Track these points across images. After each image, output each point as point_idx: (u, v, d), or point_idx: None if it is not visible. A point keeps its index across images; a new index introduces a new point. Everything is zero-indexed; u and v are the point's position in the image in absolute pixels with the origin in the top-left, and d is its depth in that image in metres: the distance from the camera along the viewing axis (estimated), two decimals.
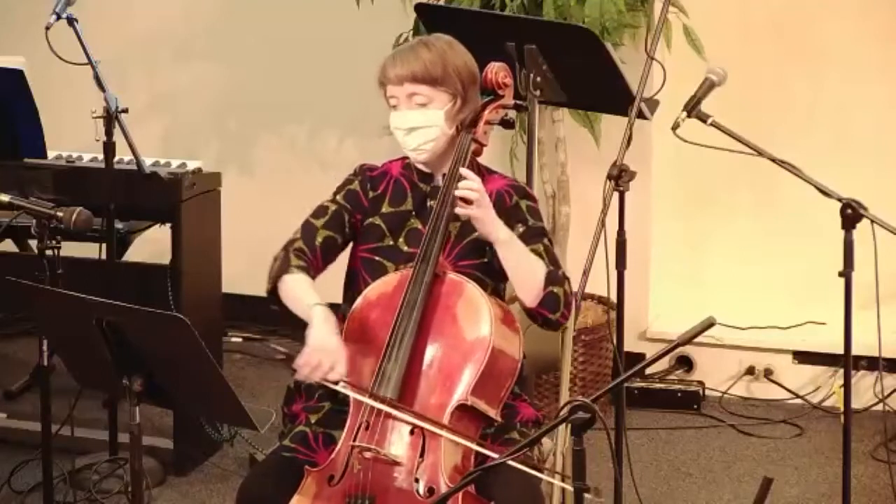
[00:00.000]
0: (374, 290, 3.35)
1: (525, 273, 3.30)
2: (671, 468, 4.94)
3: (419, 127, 3.35)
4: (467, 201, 3.24)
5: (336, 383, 3.20)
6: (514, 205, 3.39)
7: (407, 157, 3.46)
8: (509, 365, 3.28)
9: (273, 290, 3.37)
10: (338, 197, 3.48)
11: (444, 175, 3.37)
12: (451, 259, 3.37)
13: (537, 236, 3.37)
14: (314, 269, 3.40)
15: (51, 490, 4.16)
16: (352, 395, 3.22)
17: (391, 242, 3.43)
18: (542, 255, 3.34)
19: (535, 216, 3.41)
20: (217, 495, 4.68)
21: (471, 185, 3.24)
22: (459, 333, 3.25)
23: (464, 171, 3.29)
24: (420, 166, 3.45)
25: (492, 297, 3.31)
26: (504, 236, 3.28)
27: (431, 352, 3.25)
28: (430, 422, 3.17)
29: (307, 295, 3.29)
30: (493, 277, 3.39)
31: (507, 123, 3.48)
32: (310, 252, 3.40)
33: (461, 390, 3.20)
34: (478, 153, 3.42)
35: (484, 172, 3.46)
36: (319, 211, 3.46)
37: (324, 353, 3.17)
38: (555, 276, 3.30)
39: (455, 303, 3.27)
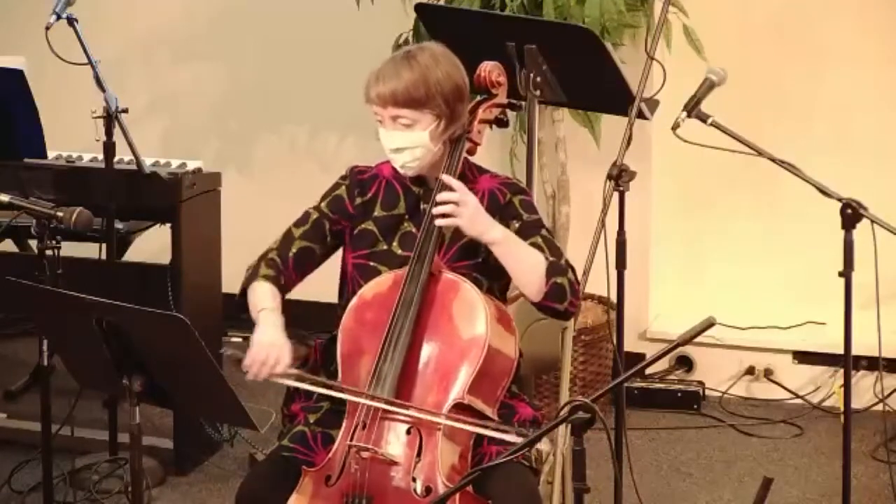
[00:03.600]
0: (370, 289, 3.35)
1: (525, 269, 3.29)
2: (671, 468, 4.94)
3: (405, 148, 3.33)
4: (446, 215, 3.25)
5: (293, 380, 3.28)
6: (508, 202, 3.38)
7: None
8: (505, 363, 3.28)
9: (242, 297, 3.41)
10: (322, 204, 3.46)
11: (436, 179, 3.35)
12: (446, 261, 3.36)
13: (534, 229, 3.36)
14: (287, 279, 3.42)
15: (51, 490, 4.16)
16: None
17: (385, 247, 3.42)
18: (542, 248, 3.32)
19: (529, 210, 3.40)
20: (217, 495, 4.69)
21: (446, 197, 3.25)
22: (455, 332, 3.25)
23: (445, 177, 3.29)
24: None
25: (487, 295, 3.31)
26: (497, 236, 3.28)
27: (427, 351, 3.25)
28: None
29: (262, 302, 3.35)
30: (488, 277, 3.38)
31: (501, 122, 3.47)
32: (282, 263, 3.42)
33: (458, 389, 3.20)
34: (472, 152, 3.42)
35: (476, 172, 3.46)
36: (302, 218, 3.47)
37: (267, 348, 3.23)
38: (557, 267, 3.29)
39: (451, 301, 3.27)
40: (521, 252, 3.30)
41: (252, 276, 3.41)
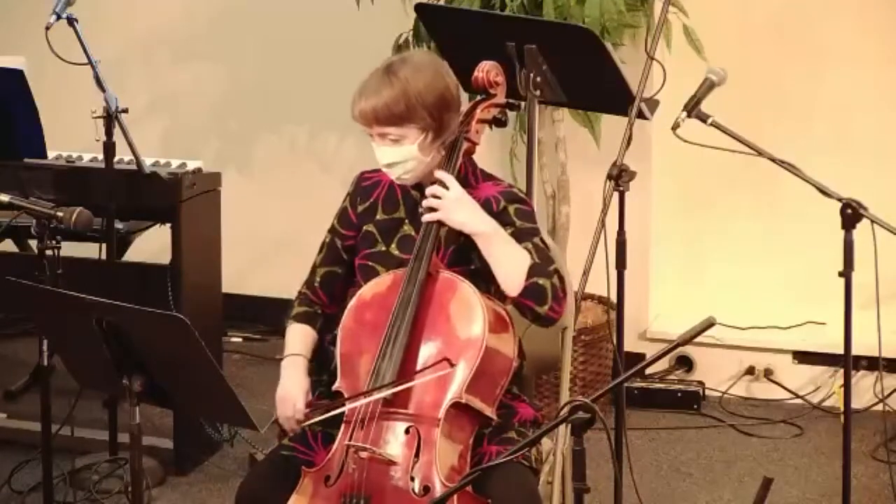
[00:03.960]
0: (369, 289, 3.36)
1: (506, 264, 3.28)
2: (671, 468, 4.94)
3: (396, 162, 3.34)
4: (431, 209, 3.29)
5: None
6: (501, 210, 3.37)
7: None
8: (504, 363, 3.28)
9: None
10: (335, 223, 3.53)
11: (433, 183, 3.35)
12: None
13: (525, 236, 3.34)
14: (323, 306, 3.51)
15: (51, 490, 4.16)
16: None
17: (383, 248, 3.43)
18: (531, 252, 3.31)
19: (524, 218, 3.38)
20: (217, 495, 4.69)
21: (431, 190, 3.29)
22: (453, 332, 3.25)
23: (438, 173, 3.31)
24: None
25: (486, 295, 3.30)
26: (481, 229, 3.28)
27: (426, 350, 3.25)
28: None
29: (286, 348, 3.46)
30: (483, 282, 3.36)
31: (499, 122, 3.47)
32: (312, 295, 3.52)
33: (455, 388, 3.20)
34: (470, 152, 3.42)
35: (480, 177, 3.46)
36: (321, 245, 3.54)
37: (283, 405, 3.35)
38: (540, 269, 3.27)
39: (448, 301, 3.27)
40: (505, 247, 3.29)
41: (288, 315, 3.51)
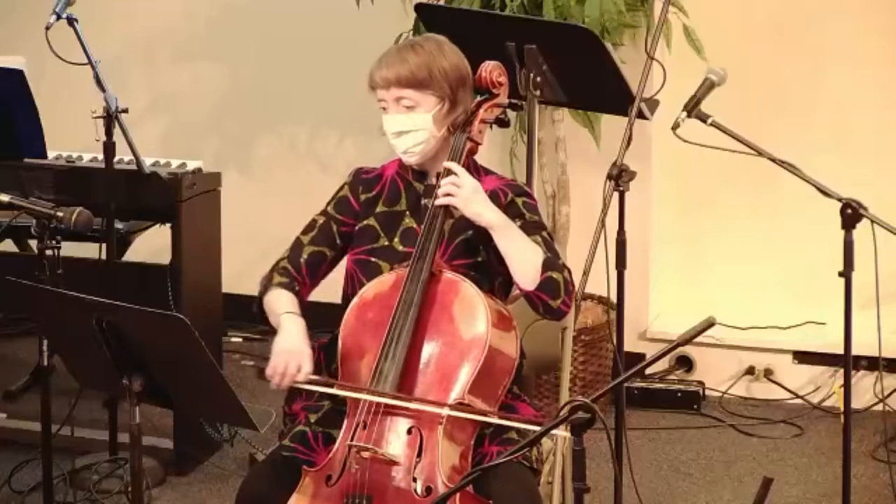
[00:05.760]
0: (371, 289, 3.35)
1: (521, 256, 3.27)
2: (671, 468, 4.94)
3: (407, 131, 3.35)
4: (448, 195, 3.28)
5: (311, 384, 3.26)
6: (510, 202, 3.38)
7: None
8: (506, 363, 3.28)
9: (261, 309, 3.44)
10: (329, 208, 3.50)
11: (438, 174, 3.37)
12: (445, 258, 3.36)
13: (535, 229, 3.36)
14: (301, 285, 3.45)
15: (51, 490, 4.17)
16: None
17: (386, 243, 3.43)
18: (540, 246, 3.32)
19: (531, 211, 3.40)
20: (217, 495, 4.69)
21: (449, 179, 3.28)
22: (456, 332, 3.24)
23: (448, 164, 3.31)
24: (414, 166, 3.46)
25: (488, 295, 3.31)
26: (496, 220, 3.27)
27: (428, 350, 3.24)
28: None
29: (283, 306, 3.36)
30: (487, 277, 3.38)
31: (501, 122, 3.48)
32: (294, 270, 3.45)
33: (458, 389, 3.20)
34: (473, 151, 3.42)
35: (482, 172, 3.46)
36: (309, 226, 3.50)
37: (288, 356, 3.24)
38: (553, 263, 3.28)
39: (451, 301, 3.27)
40: (520, 241, 3.29)
41: (266, 286, 3.44)
